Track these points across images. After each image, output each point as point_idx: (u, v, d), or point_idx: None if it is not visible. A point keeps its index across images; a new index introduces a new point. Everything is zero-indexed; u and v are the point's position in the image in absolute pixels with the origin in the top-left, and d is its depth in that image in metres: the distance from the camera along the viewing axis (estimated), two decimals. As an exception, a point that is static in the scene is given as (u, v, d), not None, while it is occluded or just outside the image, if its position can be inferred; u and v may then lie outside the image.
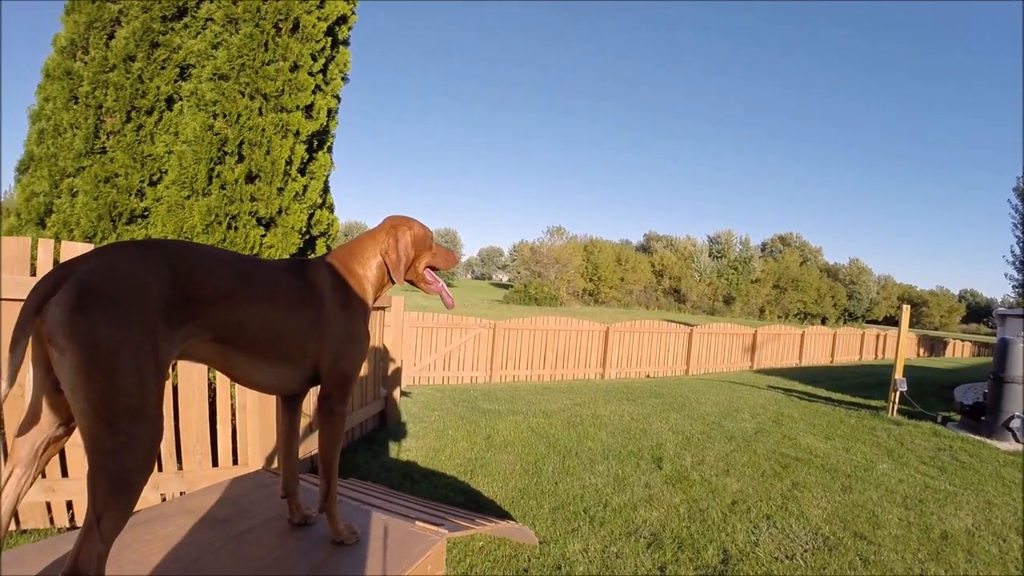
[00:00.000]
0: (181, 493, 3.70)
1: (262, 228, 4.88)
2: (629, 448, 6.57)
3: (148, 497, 3.60)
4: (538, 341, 13.94)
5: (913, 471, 6.36)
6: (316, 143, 5.43)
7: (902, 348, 9.56)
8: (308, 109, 5.14)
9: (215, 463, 3.97)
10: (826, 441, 7.52)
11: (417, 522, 2.52)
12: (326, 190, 5.68)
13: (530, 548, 3.82)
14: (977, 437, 8.14)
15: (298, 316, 2.12)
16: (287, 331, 2.09)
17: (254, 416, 4.00)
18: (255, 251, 4.79)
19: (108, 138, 4.50)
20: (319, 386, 2.26)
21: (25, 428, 1.64)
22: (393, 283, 2.51)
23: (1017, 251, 27.52)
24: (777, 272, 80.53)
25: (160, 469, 3.70)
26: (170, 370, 2.94)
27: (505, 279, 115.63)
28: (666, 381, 14.07)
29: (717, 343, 17.88)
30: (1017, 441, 7.96)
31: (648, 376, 15.51)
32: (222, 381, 4.01)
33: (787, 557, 4.09)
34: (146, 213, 4.56)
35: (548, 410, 8.64)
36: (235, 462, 4.04)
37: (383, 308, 6.89)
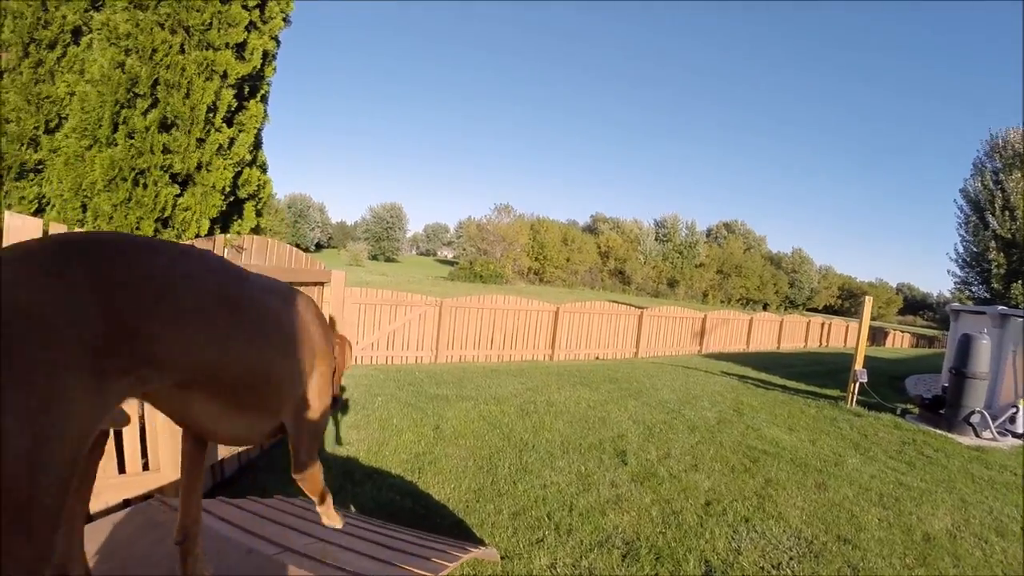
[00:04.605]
0: (86, 505, 3.08)
1: (177, 186, 4.19)
2: (589, 440, 6.12)
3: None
4: (486, 320, 13.41)
5: (883, 466, 6.09)
6: (248, 90, 4.74)
7: (863, 339, 9.37)
8: (240, 48, 4.45)
9: (121, 469, 3.31)
10: (790, 433, 7.22)
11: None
12: (257, 146, 5.00)
13: (491, 564, 3.32)
14: (938, 431, 8.00)
15: (293, 357, 1.68)
16: (277, 376, 1.61)
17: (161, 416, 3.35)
18: (166, 213, 4.12)
19: (0, 77, 3.76)
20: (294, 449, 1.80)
21: None
22: None
23: (960, 250, 28.30)
24: (721, 258, 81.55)
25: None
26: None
27: (450, 256, 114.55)
28: (618, 364, 13.72)
29: (667, 327, 17.64)
30: (977, 436, 7.83)
31: (598, 359, 15.16)
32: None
33: (773, 567, 3.70)
34: (40, 166, 3.84)
35: (499, 396, 8.14)
36: (146, 467, 3.41)
37: (322, 283, 6.27)
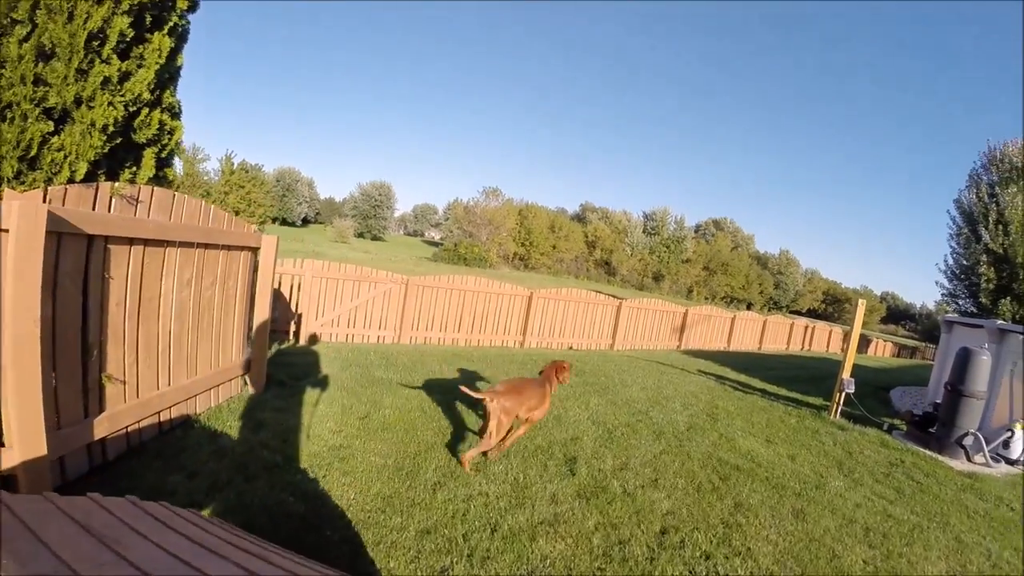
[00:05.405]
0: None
1: (51, 123, 3.40)
2: (537, 442, 5.35)
3: None
4: (454, 302, 12.58)
5: (869, 491, 5.38)
6: (151, 20, 3.93)
7: (853, 345, 8.61)
8: (139, -28, 3.67)
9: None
10: (768, 445, 6.48)
11: None
12: (163, 85, 4.18)
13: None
14: (928, 452, 7.30)
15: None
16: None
17: (8, 379, 2.73)
18: (34, 153, 3.33)
19: None
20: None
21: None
22: None
23: (951, 262, 27.60)
24: (708, 255, 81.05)
25: None
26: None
27: (437, 237, 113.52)
28: (590, 355, 12.96)
29: (646, 320, 16.89)
30: (969, 460, 7.15)
31: (571, 348, 14.39)
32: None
33: (734, 625, 2.95)
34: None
35: (449, 384, 7.29)
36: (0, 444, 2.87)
37: (251, 248, 5.46)
